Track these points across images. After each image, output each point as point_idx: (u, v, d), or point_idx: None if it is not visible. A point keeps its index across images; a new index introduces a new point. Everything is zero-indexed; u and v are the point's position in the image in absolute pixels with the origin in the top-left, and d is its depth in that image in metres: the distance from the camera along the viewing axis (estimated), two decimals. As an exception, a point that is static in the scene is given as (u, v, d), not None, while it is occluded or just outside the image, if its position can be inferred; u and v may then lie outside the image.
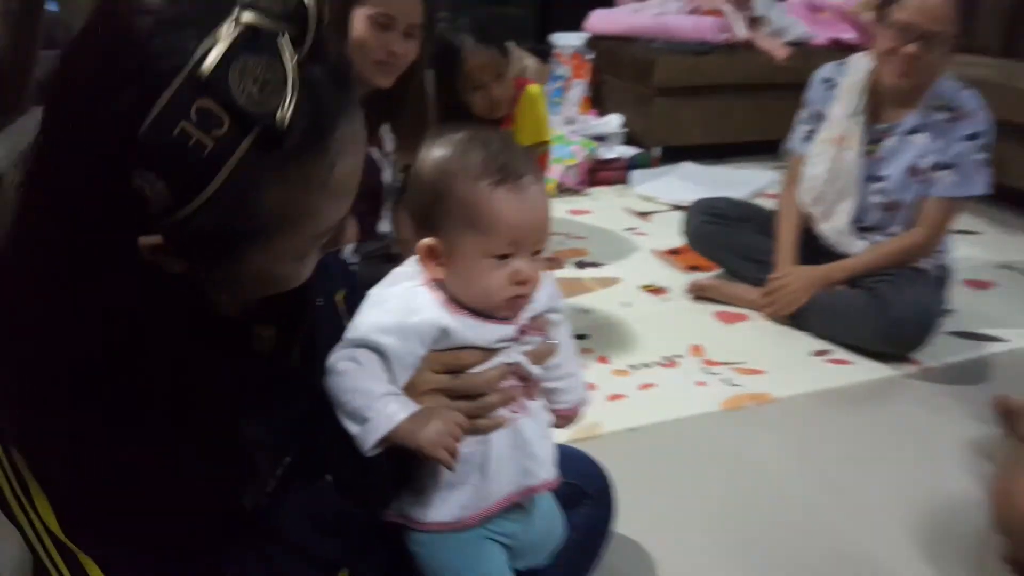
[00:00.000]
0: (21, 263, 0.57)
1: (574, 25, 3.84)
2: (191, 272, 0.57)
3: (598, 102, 3.69)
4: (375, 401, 0.76)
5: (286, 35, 0.50)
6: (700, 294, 2.19)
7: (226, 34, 0.49)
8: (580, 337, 1.96)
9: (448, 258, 0.80)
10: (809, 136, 2.07)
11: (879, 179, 1.95)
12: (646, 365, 1.85)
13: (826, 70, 2.07)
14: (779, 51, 3.32)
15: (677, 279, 2.30)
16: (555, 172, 3.04)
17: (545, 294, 0.85)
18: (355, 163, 0.59)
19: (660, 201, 2.98)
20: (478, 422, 0.82)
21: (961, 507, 1.39)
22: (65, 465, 0.59)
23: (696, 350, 1.92)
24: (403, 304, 0.80)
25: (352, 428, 0.76)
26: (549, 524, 0.93)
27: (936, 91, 1.89)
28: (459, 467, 0.80)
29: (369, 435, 0.75)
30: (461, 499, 0.83)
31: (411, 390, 0.80)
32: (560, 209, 2.88)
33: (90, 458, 0.59)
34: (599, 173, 3.20)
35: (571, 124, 3.45)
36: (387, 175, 1.80)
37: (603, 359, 1.87)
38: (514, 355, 0.84)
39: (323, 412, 0.77)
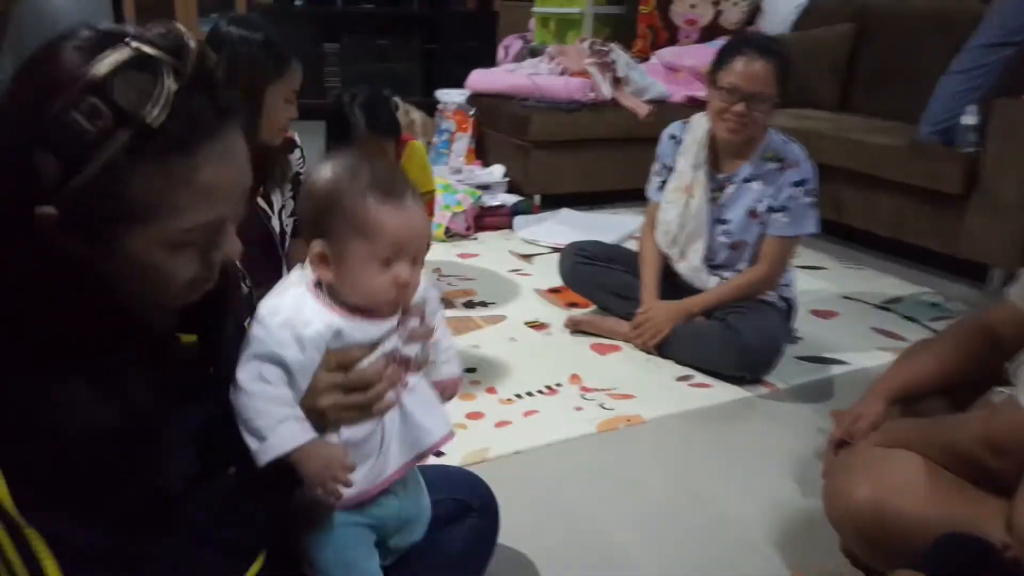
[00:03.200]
0: None
1: (457, 82, 3.95)
2: (86, 253, 0.66)
3: (481, 153, 3.78)
4: (276, 424, 0.81)
5: (170, 64, 0.63)
6: (577, 328, 2.26)
7: (120, 54, 0.62)
8: (470, 371, 1.99)
9: (337, 262, 0.86)
10: (661, 186, 2.17)
11: (724, 222, 2.07)
12: (529, 394, 1.92)
13: (672, 128, 2.18)
14: (641, 108, 3.46)
15: (557, 315, 2.37)
16: (443, 218, 3.08)
17: (419, 287, 0.92)
18: (220, 174, 0.68)
19: (541, 244, 3.06)
20: (373, 408, 0.88)
21: (809, 509, 1.45)
22: (9, 431, 0.66)
23: (574, 378, 2.00)
24: (294, 316, 0.85)
25: (251, 443, 0.81)
26: (420, 499, 1.01)
27: (767, 144, 2.02)
28: (360, 448, 0.87)
29: (264, 454, 0.81)
30: (365, 472, 0.89)
31: (311, 390, 0.85)
32: (449, 253, 2.93)
33: (29, 427, 0.66)
34: (485, 219, 3.26)
35: (458, 174, 3.52)
36: (275, 223, 1.83)
37: (491, 390, 1.92)
38: (393, 342, 0.90)
39: (230, 419, 0.82)
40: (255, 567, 0.82)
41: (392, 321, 0.90)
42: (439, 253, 2.92)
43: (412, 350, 0.92)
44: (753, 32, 3.88)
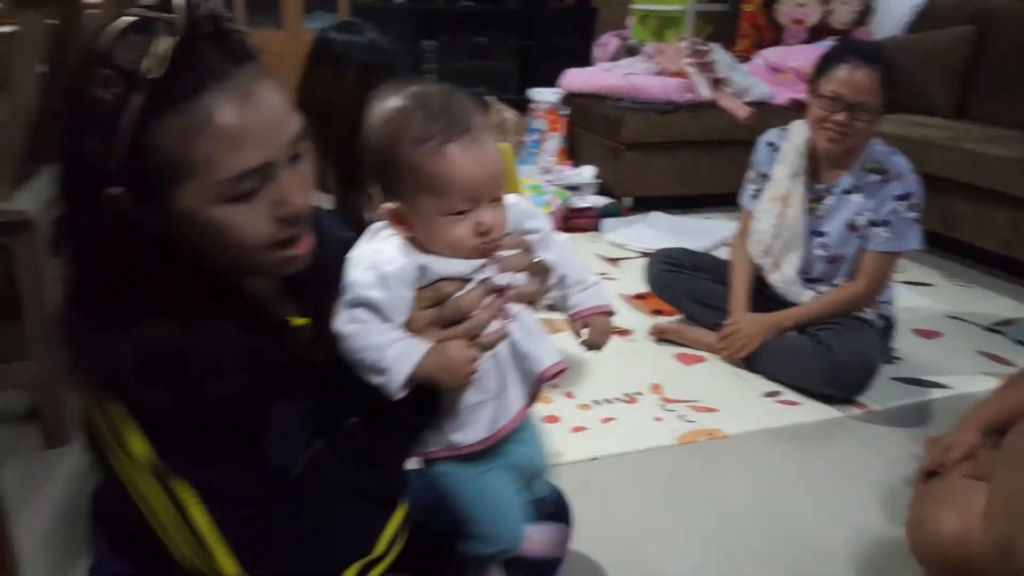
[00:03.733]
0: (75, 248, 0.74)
1: (551, 80, 3.92)
2: (161, 222, 0.70)
3: (572, 154, 3.75)
4: (386, 352, 0.78)
5: (163, 20, 0.66)
6: (662, 336, 2.23)
7: (119, 22, 0.66)
8: (548, 375, 2.06)
9: (412, 219, 0.82)
10: (756, 194, 2.12)
11: (821, 234, 2.00)
12: (608, 401, 1.90)
13: (770, 135, 2.12)
14: (741, 110, 3.37)
15: (642, 322, 2.34)
16: (531, 219, 3.15)
17: (511, 219, 0.86)
18: (241, 116, 0.67)
19: (629, 248, 3.01)
20: (481, 339, 0.84)
21: (896, 540, 1.38)
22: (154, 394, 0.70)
23: (656, 388, 1.97)
24: (377, 258, 0.81)
25: (376, 380, 0.78)
26: (540, 444, 0.97)
27: (869, 154, 1.94)
28: (479, 386, 0.83)
29: (393, 383, 0.78)
30: (489, 414, 0.86)
31: (409, 330, 0.82)
32: (535, 254, 3.02)
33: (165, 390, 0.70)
34: (573, 220, 3.23)
35: (547, 174, 3.50)
36: (368, 215, 1.92)
37: (569, 394, 1.91)
38: (486, 273, 0.85)
39: (343, 405, 0.83)
40: (399, 514, 0.83)
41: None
42: (526, 253, 2.94)
43: (506, 279, 0.86)
44: (861, 35, 3.71)
